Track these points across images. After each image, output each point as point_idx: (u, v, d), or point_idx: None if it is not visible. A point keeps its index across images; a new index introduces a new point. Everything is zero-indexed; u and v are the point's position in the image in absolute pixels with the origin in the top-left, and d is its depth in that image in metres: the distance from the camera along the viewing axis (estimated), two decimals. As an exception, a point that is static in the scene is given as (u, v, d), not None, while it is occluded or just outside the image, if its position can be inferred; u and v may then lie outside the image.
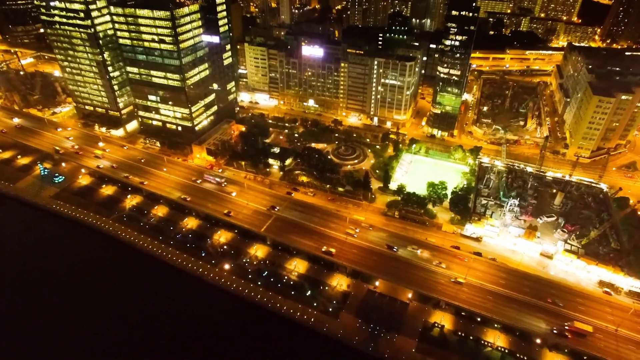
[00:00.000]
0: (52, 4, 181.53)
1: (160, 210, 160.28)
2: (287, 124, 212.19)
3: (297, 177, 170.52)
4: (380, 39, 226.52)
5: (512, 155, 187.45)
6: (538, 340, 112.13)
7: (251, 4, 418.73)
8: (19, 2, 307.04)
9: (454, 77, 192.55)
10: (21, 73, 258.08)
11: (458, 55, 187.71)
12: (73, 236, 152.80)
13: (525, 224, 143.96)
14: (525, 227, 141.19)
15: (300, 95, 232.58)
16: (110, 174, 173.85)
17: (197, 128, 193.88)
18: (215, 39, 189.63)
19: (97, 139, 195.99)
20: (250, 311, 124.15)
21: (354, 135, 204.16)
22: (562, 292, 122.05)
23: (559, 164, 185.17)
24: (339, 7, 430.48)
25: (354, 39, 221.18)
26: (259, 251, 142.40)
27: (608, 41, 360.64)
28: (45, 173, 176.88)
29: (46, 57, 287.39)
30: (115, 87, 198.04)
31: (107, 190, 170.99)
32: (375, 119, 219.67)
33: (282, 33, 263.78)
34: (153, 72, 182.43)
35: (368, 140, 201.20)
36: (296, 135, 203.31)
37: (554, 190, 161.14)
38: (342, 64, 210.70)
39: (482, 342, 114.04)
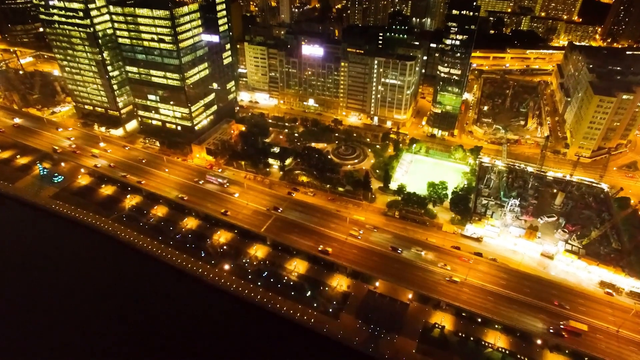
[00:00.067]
0: (51, 3, 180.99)
1: (159, 210, 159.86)
2: (287, 124, 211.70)
3: (297, 177, 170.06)
4: (381, 38, 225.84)
5: (513, 155, 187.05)
6: (539, 341, 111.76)
7: (251, 3, 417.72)
8: (18, 1, 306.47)
9: (454, 76, 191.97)
10: (20, 72, 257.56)
11: (458, 54, 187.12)
12: (72, 236, 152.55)
13: (526, 224, 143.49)
14: (525, 228, 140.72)
15: (300, 94, 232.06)
16: (108, 173, 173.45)
17: (196, 128, 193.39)
18: (215, 38, 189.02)
19: (96, 138, 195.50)
20: (250, 311, 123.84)
21: (354, 134, 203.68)
22: (563, 292, 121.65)
23: (559, 164, 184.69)
24: (339, 6, 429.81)
25: (354, 38, 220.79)
26: (258, 251, 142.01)
27: (609, 40, 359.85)
28: (45, 173, 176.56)
29: (45, 56, 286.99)
30: (115, 87, 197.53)
31: (107, 190, 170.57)
32: (376, 118, 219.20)
33: (282, 32, 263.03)
34: (152, 72, 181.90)
35: (368, 139, 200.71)
36: (296, 134, 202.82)
37: (555, 190, 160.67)
38: (342, 63, 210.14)
39: (483, 343, 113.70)
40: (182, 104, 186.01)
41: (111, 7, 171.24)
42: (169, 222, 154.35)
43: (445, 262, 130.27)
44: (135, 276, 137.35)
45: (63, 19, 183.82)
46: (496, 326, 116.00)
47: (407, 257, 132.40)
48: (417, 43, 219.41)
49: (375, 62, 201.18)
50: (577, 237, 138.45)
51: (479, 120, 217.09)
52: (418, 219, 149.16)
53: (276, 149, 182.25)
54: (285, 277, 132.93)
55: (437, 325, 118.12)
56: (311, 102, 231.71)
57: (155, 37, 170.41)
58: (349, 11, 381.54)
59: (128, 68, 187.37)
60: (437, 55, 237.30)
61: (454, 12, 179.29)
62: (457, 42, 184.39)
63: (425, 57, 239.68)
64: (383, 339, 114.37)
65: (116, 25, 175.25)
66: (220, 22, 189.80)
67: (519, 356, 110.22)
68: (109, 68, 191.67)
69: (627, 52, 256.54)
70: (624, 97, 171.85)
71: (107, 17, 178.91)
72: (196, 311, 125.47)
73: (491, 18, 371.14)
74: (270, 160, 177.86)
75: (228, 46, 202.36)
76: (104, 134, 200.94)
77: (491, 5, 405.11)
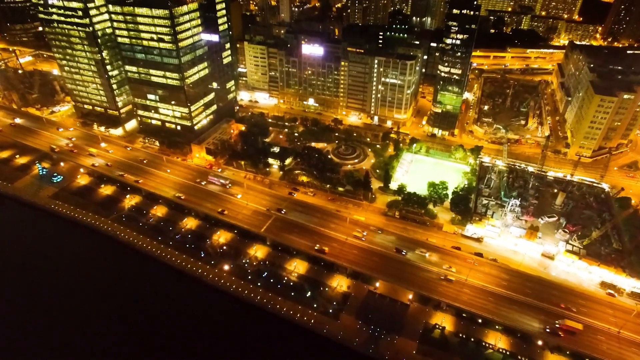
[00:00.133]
0: (50, 2, 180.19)
1: (159, 211, 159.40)
2: (287, 123, 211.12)
3: (297, 177, 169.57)
4: (381, 37, 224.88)
5: (513, 155, 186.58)
6: (539, 342, 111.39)
7: (251, 2, 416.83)
8: (18, 0, 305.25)
9: (454, 76, 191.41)
10: (20, 72, 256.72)
11: (459, 54, 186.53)
12: (72, 236, 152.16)
13: (527, 225, 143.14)
14: (526, 228, 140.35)
15: (300, 94, 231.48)
16: (105, 172, 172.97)
17: (196, 127, 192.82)
18: (215, 38, 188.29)
19: (96, 138, 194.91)
20: (250, 312, 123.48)
21: (354, 134, 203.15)
22: (563, 293, 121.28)
23: (560, 164, 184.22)
24: (339, 5, 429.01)
25: (354, 38, 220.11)
26: (258, 252, 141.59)
27: (609, 39, 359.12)
28: (44, 173, 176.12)
29: (45, 55, 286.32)
30: (114, 86, 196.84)
31: (106, 190, 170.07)
32: (376, 118, 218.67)
33: (282, 31, 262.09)
34: (152, 71, 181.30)
35: (368, 139, 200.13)
36: (296, 134, 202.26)
37: (555, 190, 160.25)
38: (342, 63, 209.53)
39: (484, 343, 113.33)
40: (181, 103, 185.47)
41: (110, 6, 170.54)
42: (169, 222, 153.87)
43: (450, 264, 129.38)
44: (135, 276, 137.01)
45: (62, 18, 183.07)
46: (497, 327, 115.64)
47: (411, 258, 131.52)
48: (417, 42, 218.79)
49: (376, 61, 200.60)
50: (578, 237, 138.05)
51: (480, 119, 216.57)
52: (418, 219, 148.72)
53: (276, 149, 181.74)
54: (285, 278, 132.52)
55: (437, 326, 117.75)
56: (311, 101, 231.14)
57: (154, 36, 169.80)
58: (349, 10, 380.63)
59: (127, 67, 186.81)
60: (437, 54, 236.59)
61: (455, 11, 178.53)
62: (458, 42, 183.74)
63: (425, 57, 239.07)
64: (383, 339, 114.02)
65: (115, 24, 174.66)
66: (219, 21, 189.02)
67: (519, 357, 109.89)
68: (108, 67, 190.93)
69: (628, 52, 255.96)
70: (625, 96, 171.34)
71: (106, 16, 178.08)
72: (196, 311, 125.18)
73: (491, 17, 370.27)
74: (270, 160, 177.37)
75: (228, 45, 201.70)
76: (104, 133, 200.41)
77: (491, 4, 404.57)
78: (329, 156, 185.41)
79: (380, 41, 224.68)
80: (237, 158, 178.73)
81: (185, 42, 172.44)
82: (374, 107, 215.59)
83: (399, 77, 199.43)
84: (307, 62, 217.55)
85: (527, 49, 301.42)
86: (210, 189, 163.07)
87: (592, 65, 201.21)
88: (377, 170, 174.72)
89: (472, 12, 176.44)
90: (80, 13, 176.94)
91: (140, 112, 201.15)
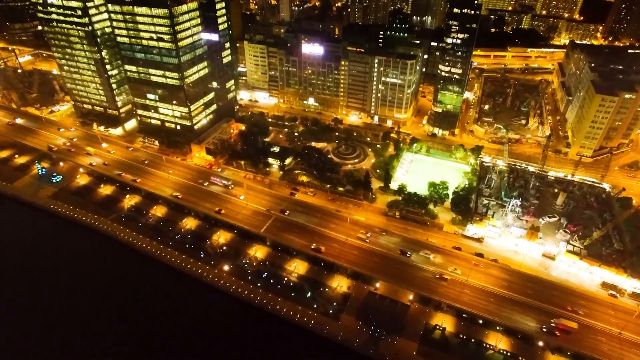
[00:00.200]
0: (49, 1, 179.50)
1: (159, 211, 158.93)
2: (287, 123, 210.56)
3: (297, 177, 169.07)
4: (381, 36, 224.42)
5: (514, 155, 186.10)
6: (540, 343, 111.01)
7: (251, 1, 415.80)
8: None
9: (455, 75, 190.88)
10: (19, 71, 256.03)
11: (459, 53, 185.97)
12: (72, 236, 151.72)
13: (527, 225, 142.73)
14: (527, 228, 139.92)
15: (300, 93, 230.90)
16: (103, 171, 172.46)
17: (196, 127, 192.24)
18: (215, 37, 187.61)
19: (96, 138, 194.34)
20: (250, 312, 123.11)
21: (355, 134, 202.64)
22: (564, 294, 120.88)
23: (561, 164, 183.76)
24: (339, 4, 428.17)
25: (354, 37, 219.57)
26: (258, 252, 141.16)
27: (610, 39, 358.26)
28: (43, 172, 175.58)
29: (44, 54, 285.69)
30: (114, 86, 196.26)
31: (106, 190, 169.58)
32: (376, 117, 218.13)
33: (282, 31, 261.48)
34: (151, 71, 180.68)
35: (368, 139, 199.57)
36: (296, 134, 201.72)
37: (556, 190, 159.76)
38: (343, 62, 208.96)
39: (484, 345, 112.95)
40: (181, 103, 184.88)
41: (110, 5, 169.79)
42: (168, 222, 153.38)
43: (455, 266, 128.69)
44: (135, 276, 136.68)
45: (61, 18, 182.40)
46: (497, 328, 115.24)
47: (415, 260, 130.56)
48: (417, 42, 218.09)
49: (376, 60, 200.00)
50: (579, 237, 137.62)
51: (480, 119, 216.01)
52: (419, 219, 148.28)
53: (276, 149, 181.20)
54: (285, 278, 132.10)
55: (438, 327, 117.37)
56: (311, 101, 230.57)
57: (154, 35, 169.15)
58: (349, 9, 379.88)
59: (127, 67, 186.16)
60: (437, 53, 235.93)
61: (455, 10, 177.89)
62: (458, 41, 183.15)
63: (425, 56, 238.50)
64: (384, 340, 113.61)
65: (115, 23, 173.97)
66: (219, 20, 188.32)
67: (520, 358, 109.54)
68: (108, 67, 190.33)
69: (629, 51, 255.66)
70: (626, 96, 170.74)
71: (105, 15, 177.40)
72: (196, 311, 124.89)
73: (492, 16, 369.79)
74: (270, 160, 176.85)
75: (227, 45, 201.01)
76: (103, 133, 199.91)
77: (492, 3, 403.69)
78: (329, 156, 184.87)
79: (381, 40, 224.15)
80: (236, 158, 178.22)
81: (184, 41, 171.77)
82: (374, 106, 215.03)
83: (400, 76, 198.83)
84: (307, 61, 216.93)
85: (527, 48, 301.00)
86: (212, 189, 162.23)
87: (593, 65, 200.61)
88: (378, 170, 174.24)
89: (472, 12, 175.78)
90: (79, 12, 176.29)
91: (139, 111, 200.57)
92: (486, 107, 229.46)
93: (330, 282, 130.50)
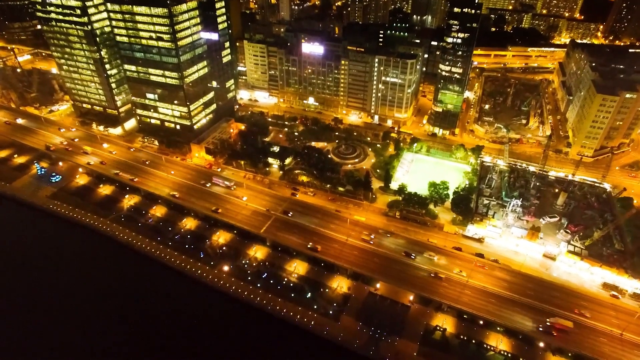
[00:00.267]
0: (48, 0, 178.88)
1: (158, 211, 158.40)
2: (286, 122, 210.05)
3: (297, 177, 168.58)
4: (381, 36, 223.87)
5: (514, 154, 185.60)
6: (541, 344, 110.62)
7: (250, 0, 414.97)
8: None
9: (455, 74, 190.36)
10: (18, 70, 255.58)
11: (460, 52, 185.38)
12: (71, 237, 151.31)
13: (528, 225, 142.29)
14: (527, 228, 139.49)
15: (300, 93, 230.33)
16: (101, 170, 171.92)
17: (195, 126, 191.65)
18: (214, 36, 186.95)
19: (95, 137, 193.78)
20: (250, 313, 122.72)
21: (355, 133, 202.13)
22: (565, 294, 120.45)
23: (561, 163, 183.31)
24: (339, 3, 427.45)
25: (354, 36, 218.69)
26: (258, 252, 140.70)
27: (611, 38, 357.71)
28: (42, 172, 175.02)
29: (43, 54, 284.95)
30: (113, 85, 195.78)
31: (105, 190, 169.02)
32: (376, 117, 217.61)
33: (282, 30, 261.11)
34: (151, 70, 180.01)
35: (369, 138, 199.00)
36: (296, 133, 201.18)
37: (557, 190, 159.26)
38: (343, 62, 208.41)
39: (485, 345, 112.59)
40: (180, 102, 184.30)
41: (109, 4, 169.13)
42: (168, 223, 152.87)
43: (460, 268, 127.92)
44: (135, 276, 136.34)
45: (60, 17, 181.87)
46: (498, 329, 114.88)
47: (420, 262, 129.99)
48: (418, 41, 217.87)
49: (376, 60, 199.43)
50: (580, 237, 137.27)
51: (480, 119, 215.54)
52: (419, 219, 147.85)
53: (276, 148, 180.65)
54: (285, 279, 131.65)
55: (438, 328, 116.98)
56: (311, 100, 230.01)
57: (153, 35, 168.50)
58: (349, 9, 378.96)
59: (126, 66, 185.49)
60: (438, 53, 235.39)
61: (456, 9, 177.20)
62: (459, 40, 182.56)
63: (426, 55, 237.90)
64: (384, 341, 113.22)
65: (114, 23, 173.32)
66: (219, 19, 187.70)
67: (520, 359, 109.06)
68: (107, 66, 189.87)
69: (630, 50, 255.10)
70: (627, 95, 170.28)
71: (104, 14, 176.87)
72: (196, 311, 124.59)
73: (492, 15, 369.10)
74: (270, 160, 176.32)
75: (227, 44, 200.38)
76: (103, 132, 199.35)
77: (492, 2, 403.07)
78: (329, 156, 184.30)
79: (381, 40, 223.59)
80: (236, 157, 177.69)
81: (184, 40, 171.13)
82: (374, 106, 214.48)
83: (400, 76, 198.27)
84: (307, 60, 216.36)
85: (528, 47, 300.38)
86: (214, 190, 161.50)
87: (593, 64, 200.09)
88: (378, 170, 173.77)
89: (473, 11, 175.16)
90: (78, 12, 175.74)
91: (139, 111, 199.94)
92: (486, 106, 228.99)
93: (330, 282, 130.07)
